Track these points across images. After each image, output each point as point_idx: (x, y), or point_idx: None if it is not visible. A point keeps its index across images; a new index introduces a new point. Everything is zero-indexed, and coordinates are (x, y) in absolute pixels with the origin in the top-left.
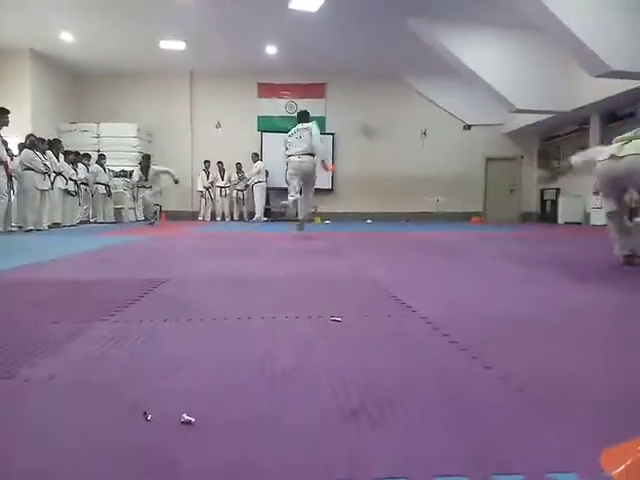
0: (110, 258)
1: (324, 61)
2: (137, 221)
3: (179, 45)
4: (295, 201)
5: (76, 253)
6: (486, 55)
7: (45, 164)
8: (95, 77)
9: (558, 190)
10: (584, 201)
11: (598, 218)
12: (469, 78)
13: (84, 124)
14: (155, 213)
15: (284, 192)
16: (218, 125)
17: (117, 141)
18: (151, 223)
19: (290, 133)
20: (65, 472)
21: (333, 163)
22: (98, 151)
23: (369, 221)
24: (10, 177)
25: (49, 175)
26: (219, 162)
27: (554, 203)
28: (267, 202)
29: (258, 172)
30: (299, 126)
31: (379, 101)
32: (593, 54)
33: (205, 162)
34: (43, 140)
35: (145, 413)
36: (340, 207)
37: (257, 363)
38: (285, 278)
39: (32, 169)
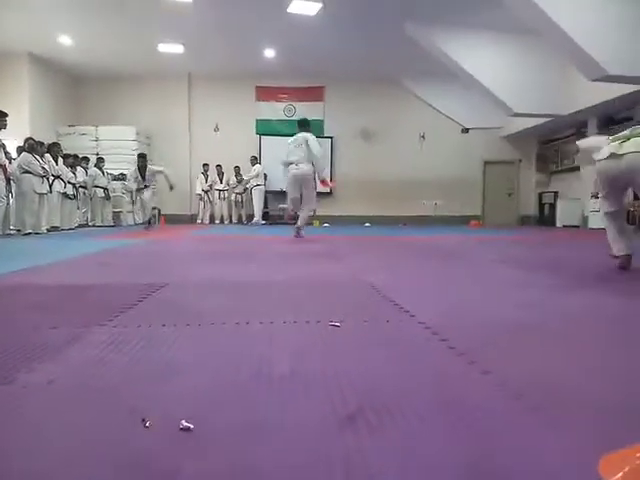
0: (109, 262)
1: (322, 65)
2: (135, 224)
3: (177, 48)
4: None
5: (75, 257)
6: (484, 59)
7: (43, 167)
8: (94, 80)
9: (556, 193)
10: (582, 204)
11: (596, 221)
12: (467, 82)
13: (83, 127)
14: (153, 216)
15: (282, 195)
16: (216, 128)
17: (116, 144)
18: (147, 227)
19: (291, 141)
20: (64, 478)
21: (332, 169)
22: (97, 154)
23: (367, 224)
24: (8, 180)
25: (47, 178)
26: (218, 165)
27: (552, 206)
28: (265, 205)
29: (257, 175)
30: (299, 134)
31: (377, 105)
32: (590, 58)
33: (204, 165)
34: (42, 143)
35: (143, 420)
36: (339, 210)
37: (255, 368)
38: (283, 282)
39: (30, 172)
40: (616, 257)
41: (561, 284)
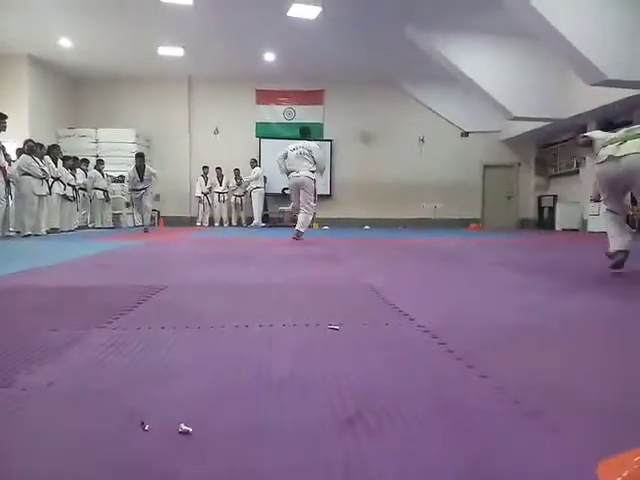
0: (108, 264)
1: (322, 68)
2: (135, 226)
3: (177, 51)
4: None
5: (74, 259)
6: (483, 63)
7: (43, 169)
8: (94, 82)
9: (555, 197)
10: (581, 208)
11: (595, 225)
12: (467, 85)
13: (82, 129)
14: (152, 218)
15: (282, 198)
16: (216, 131)
17: (115, 146)
18: (146, 230)
19: (292, 148)
20: None
21: (331, 172)
22: (96, 156)
23: (367, 227)
24: (8, 182)
25: (47, 180)
26: (218, 168)
27: (551, 210)
28: (265, 208)
29: (256, 178)
30: (301, 143)
31: (377, 108)
32: (589, 63)
33: (204, 168)
34: (41, 145)
35: (142, 423)
36: (338, 213)
37: (254, 371)
38: (283, 285)
39: (30, 174)
40: (611, 257)
41: (560, 287)
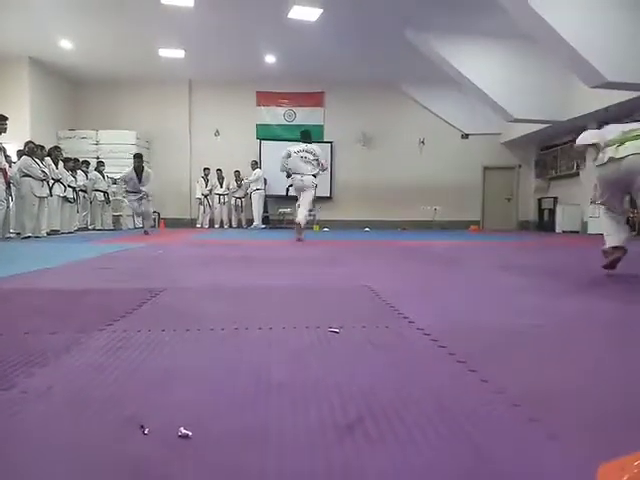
0: (108, 266)
1: (322, 70)
2: (135, 228)
3: (178, 53)
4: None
5: (74, 261)
6: (483, 65)
7: (43, 171)
8: (94, 84)
9: (556, 199)
10: (581, 210)
11: (595, 227)
12: (467, 87)
13: (83, 131)
14: (152, 219)
15: (282, 200)
16: (217, 133)
17: (116, 148)
18: (146, 232)
19: (295, 150)
20: None
21: (332, 174)
22: (97, 158)
23: (367, 229)
24: (8, 184)
25: (47, 182)
26: (218, 169)
27: (552, 212)
28: (265, 209)
29: (257, 179)
30: (303, 146)
31: (377, 110)
32: (589, 65)
33: (204, 169)
34: (42, 147)
35: (142, 427)
36: (338, 215)
37: (254, 374)
38: (283, 287)
39: (30, 176)
40: (606, 254)
41: (561, 290)
